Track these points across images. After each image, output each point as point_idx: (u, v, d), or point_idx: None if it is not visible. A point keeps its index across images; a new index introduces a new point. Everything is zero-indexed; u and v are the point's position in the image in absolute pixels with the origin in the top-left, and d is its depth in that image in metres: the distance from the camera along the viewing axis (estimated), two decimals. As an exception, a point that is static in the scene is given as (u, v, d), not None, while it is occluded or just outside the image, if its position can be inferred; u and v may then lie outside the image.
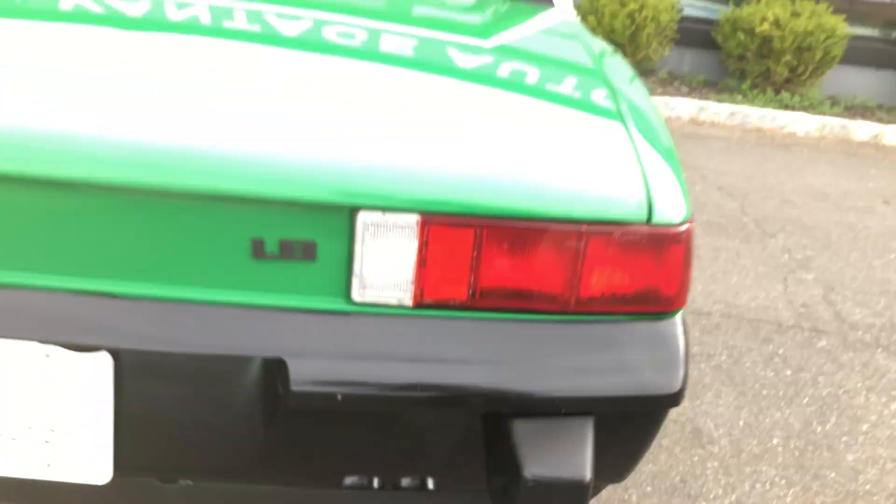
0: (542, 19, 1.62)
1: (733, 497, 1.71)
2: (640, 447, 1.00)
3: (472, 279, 0.88)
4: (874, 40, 7.16)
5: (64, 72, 0.93)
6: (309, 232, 0.86)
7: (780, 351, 2.43)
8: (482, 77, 1.14)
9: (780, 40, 6.22)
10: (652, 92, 6.29)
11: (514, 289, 0.89)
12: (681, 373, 0.93)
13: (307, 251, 0.87)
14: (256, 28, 1.18)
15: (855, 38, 6.67)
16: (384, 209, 0.85)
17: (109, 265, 0.87)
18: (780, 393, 2.18)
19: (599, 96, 1.11)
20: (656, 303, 0.94)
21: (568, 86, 1.18)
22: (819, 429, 2.03)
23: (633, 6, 6.19)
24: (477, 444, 0.95)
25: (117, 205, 0.84)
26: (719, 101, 6.30)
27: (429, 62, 1.18)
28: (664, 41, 6.51)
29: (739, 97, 6.46)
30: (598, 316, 0.93)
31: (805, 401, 2.16)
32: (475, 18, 1.61)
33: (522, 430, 0.88)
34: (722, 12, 6.76)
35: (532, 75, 1.20)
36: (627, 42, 6.30)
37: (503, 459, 0.89)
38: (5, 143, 0.81)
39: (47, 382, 0.88)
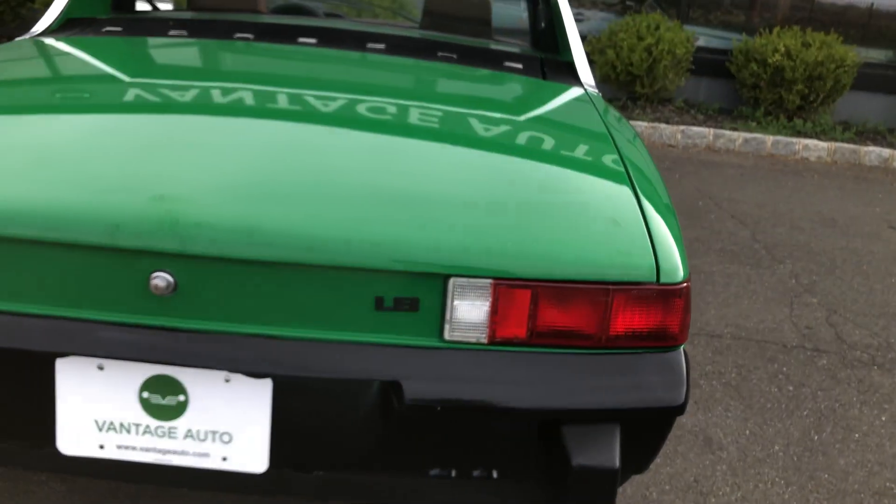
0: (570, 98, 1.97)
1: (739, 494, 2.03)
2: (655, 446, 1.33)
3: (529, 324, 1.22)
4: (884, 66, 7.44)
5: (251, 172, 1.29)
6: (415, 292, 1.21)
7: (784, 369, 2.74)
8: (529, 156, 1.49)
9: (792, 70, 6.53)
10: (669, 120, 6.62)
11: (560, 330, 1.23)
12: (684, 390, 1.26)
13: (413, 305, 1.22)
14: (353, 117, 1.54)
15: (865, 65, 6.96)
16: (467, 276, 1.20)
17: (275, 316, 1.22)
18: (783, 406, 2.49)
19: (619, 178, 1.45)
20: (664, 339, 1.27)
21: (590, 168, 1.52)
22: (816, 437, 2.34)
23: (650, 40, 6.53)
24: (531, 444, 1.29)
25: (287, 275, 1.20)
26: (734, 128, 6.61)
27: (487, 144, 1.53)
28: (680, 72, 6.84)
29: (753, 124, 6.76)
30: (622, 350, 1.26)
31: (804, 413, 2.47)
32: (512, 99, 1.96)
33: (569, 433, 1.21)
34: (735, 42, 7.08)
35: (564, 156, 1.54)
36: (645, 74, 6.64)
37: (555, 454, 1.22)
38: (226, 235, 1.16)
39: (227, 399, 1.24)
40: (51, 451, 1.27)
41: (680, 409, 1.26)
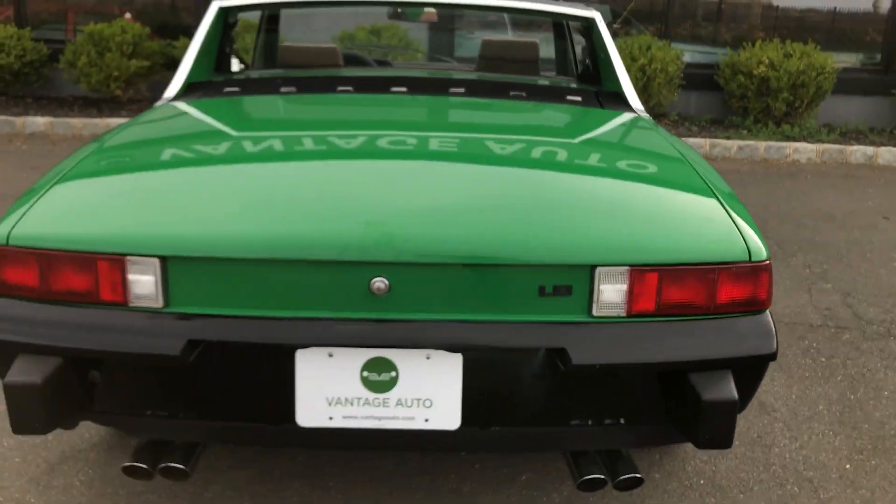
0: (629, 122, 2.37)
1: (797, 444, 2.40)
2: (754, 387, 1.71)
3: (657, 299, 1.60)
4: (859, 70, 7.95)
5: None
6: (569, 280, 1.58)
7: (814, 344, 3.13)
8: (626, 171, 1.88)
9: (777, 80, 7.00)
10: (667, 134, 7.06)
11: (680, 303, 1.61)
12: (774, 342, 1.64)
13: (568, 290, 1.59)
14: (480, 151, 1.92)
15: (843, 70, 7.46)
16: (609, 265, 1.58)
17: (463, 305, 1.59)
18: (819, 374, 2.88)
19: (698, 183, 1.84)
20: (756, 305, 1.65)
21: (674, 177, 1.92)
22: (851, 397, 2.72)
23: (643, 60, 6.99)
24: (662, 394, 1.66)
25: (472, 273, 1.57)
26: (727, 137, 7.07)
27: (589, 163, 1.92)
28: (672, 87, 7.29)
29: (744, 132, 7.23)
30: (726, 315, 1.64)
31: (839, 378, 2.85)
32: (586, 126, 2.36)
33: (696, 378, 1.59)
34: (721, 57, 7.56)
35: (651, 170, 1.93)
36: (640, 91, 7.08)
37: (686, 396, 1.59)
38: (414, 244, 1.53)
39: (428, 372, 1.60)
40: (291, 425, 1.62)
41: (773, 356, 1.64)
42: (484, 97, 2.56)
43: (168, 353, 1.53)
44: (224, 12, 2.85)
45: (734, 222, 1.69)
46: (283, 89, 2.57)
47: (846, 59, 7.91)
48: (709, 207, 1.74)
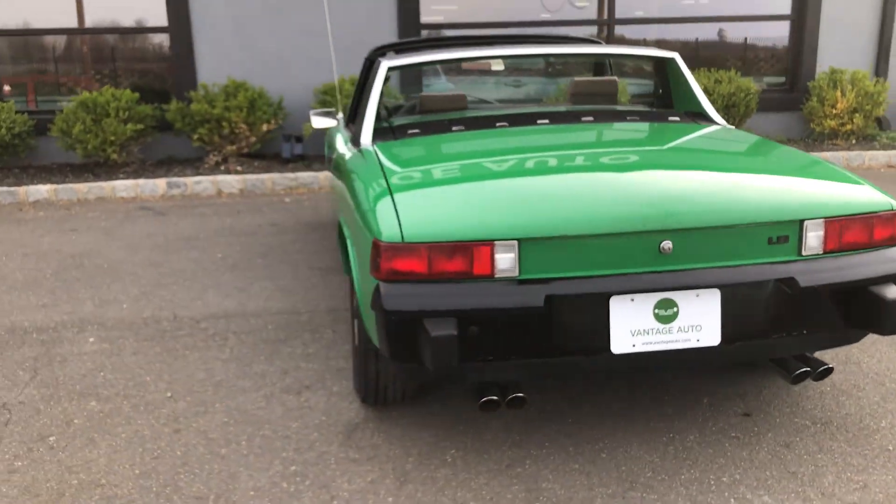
0: (723, 128, 3.15)
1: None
2: None
3: (839, 240, 2.33)
4: (773, 91, 9.22)
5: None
6: (787, 231, 2.29)
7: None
8: (767, 160, 2.62)
9: (713, 102, 8.10)
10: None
11: (854, 242, 2.35)
12: None
13: (786, 239, 2.30)
14: (657, 156, 2.63)
15: (763, 91, 8.67)
16: (813, 219, 2.30)
17: (720, 255, 2.26)
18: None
19: (819, 160, 2.61)
20: (894, 241, 2.42)
21: (798, 159, 2.68)
22: None
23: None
24: (842, 306, 2.38)
25: (723, 233, 2.24)
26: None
27: (737, 155, 2.65)
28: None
29: (690, 149, 8.26)
30: (880, 247, 2.39)
31: None
32: (703, 134, 3.11)
33: (878, 288, 2.32)
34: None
35: (781, 154, 2.69)
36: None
37: (872, 301, 2.31)
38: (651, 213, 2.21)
39: (698, 305, 2.26)
40: (607, 353, 2.24)
41: None
42: (609, 121, 3.27)
43: (534, 305, 2.14)
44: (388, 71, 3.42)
45: (870, 185, 2.45)
46: (454, 128, 3.19)
47: (759, 83, 9.17)
48: (846, 175, 2.50)
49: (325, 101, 7.71)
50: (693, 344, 2.28)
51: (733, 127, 3.28)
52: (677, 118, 3.36)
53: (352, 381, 3.09)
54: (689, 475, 2.41)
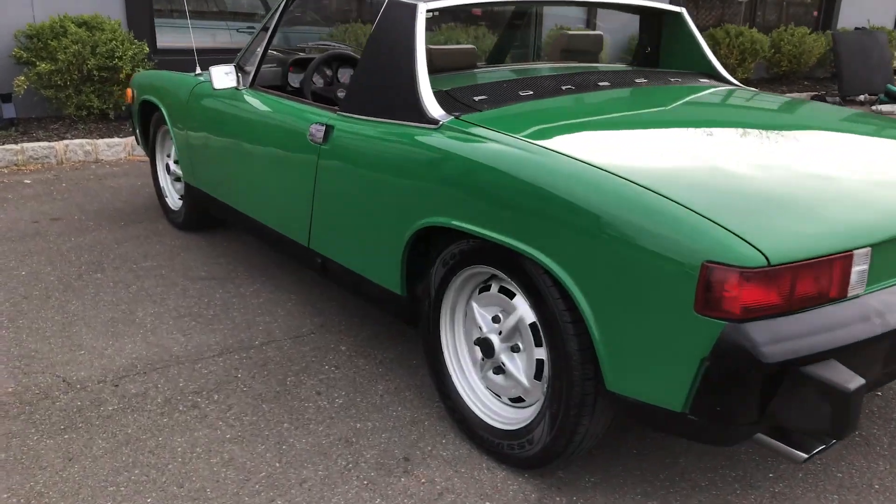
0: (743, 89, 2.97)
1: None
2: None
3: None
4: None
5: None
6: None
7: None
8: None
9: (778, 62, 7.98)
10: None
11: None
12: None
13: None
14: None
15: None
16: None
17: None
18: None
19: None
20: None
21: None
22: None
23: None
24: None
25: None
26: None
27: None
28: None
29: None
30: None
31: None
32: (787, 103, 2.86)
33: None
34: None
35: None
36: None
37: None
38: None
39: None
40: None
41: None
42: (663, 83, 2.86)
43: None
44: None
45: None
46: (521, 93, 2.50)
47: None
48: None
49: (32, 47, 5.97)
50: None
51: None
52: (708, 80, 3.08)
53: (459, 434, 2.33)
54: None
